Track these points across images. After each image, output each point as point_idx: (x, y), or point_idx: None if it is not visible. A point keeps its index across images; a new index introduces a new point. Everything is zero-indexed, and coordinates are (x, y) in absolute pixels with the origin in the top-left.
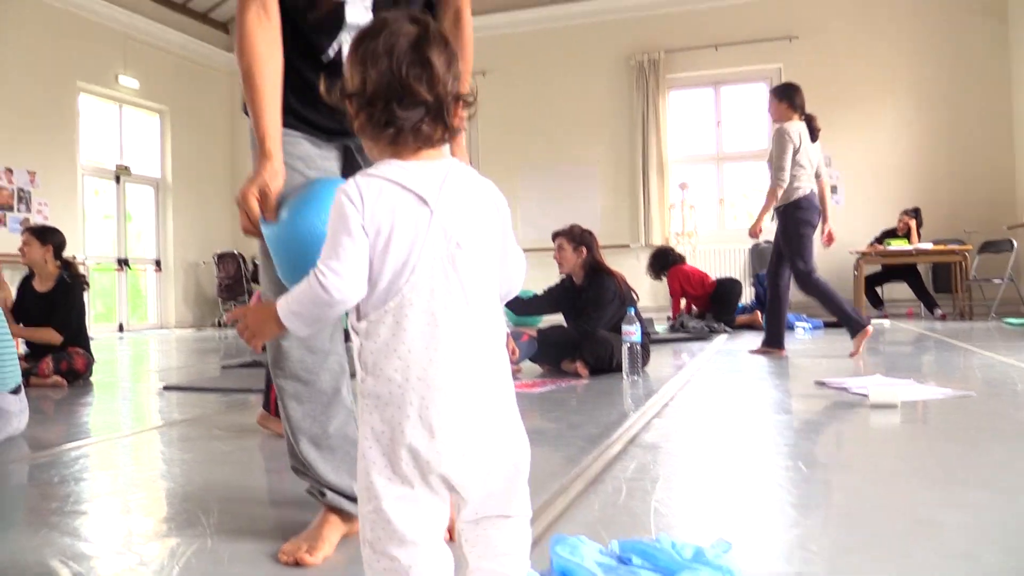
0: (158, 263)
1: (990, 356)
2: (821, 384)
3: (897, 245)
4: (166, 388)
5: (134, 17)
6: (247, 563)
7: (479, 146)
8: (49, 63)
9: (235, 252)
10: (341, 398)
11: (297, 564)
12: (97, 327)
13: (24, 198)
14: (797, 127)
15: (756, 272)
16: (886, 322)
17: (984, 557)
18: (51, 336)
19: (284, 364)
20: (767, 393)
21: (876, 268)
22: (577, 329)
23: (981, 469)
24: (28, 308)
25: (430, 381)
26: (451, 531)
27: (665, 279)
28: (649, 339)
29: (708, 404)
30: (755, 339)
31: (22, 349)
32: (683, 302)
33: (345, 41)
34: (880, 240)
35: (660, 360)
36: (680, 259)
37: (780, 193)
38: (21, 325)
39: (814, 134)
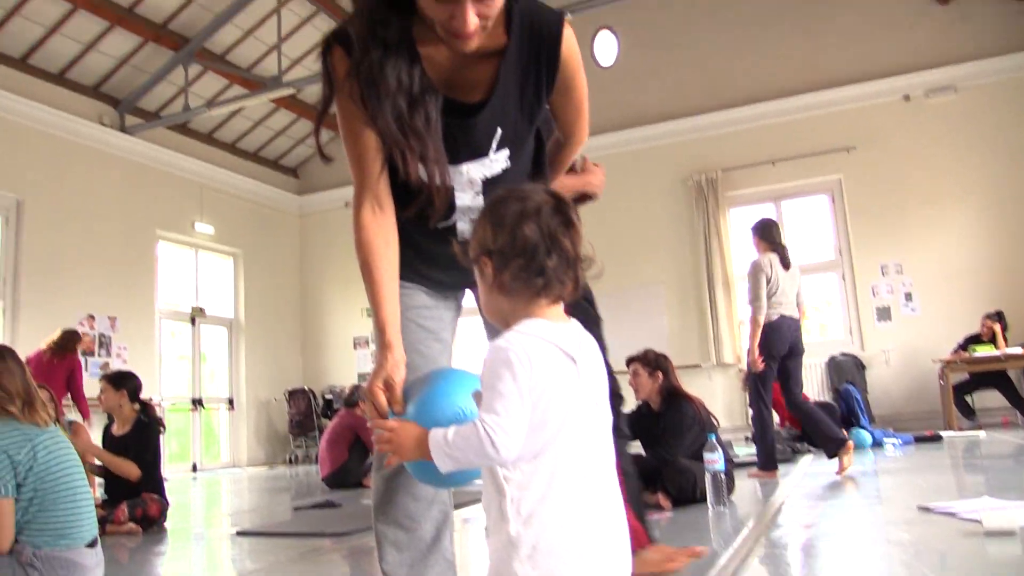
0: (231, 401)
1: None
2: (925, 509)
3: (983, 351)
4: (239, 534)
5: (209, 167)
6: None
7: None
8: (131, 213)
9: (305, 388)
10: (442, 548)
11: None
12: (171, 467)
13: (105, 343)
14: (769, 258)
15: (835, 386)
16: (981, 433)
17: None
18: (130, 469)
19: (387, 510)
20: (867, 520)
21: (963, 376)
22: (656, 458)
23: None
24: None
25: (582, 531)
26: None
27: None
28: (733, 465)
29: (805, 537)
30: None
31: (99, 493)
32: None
33: (459, 219)
34: (964, 347)
35: (745, 485)
36: None
37: (761, 320)
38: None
39: (786, 263)
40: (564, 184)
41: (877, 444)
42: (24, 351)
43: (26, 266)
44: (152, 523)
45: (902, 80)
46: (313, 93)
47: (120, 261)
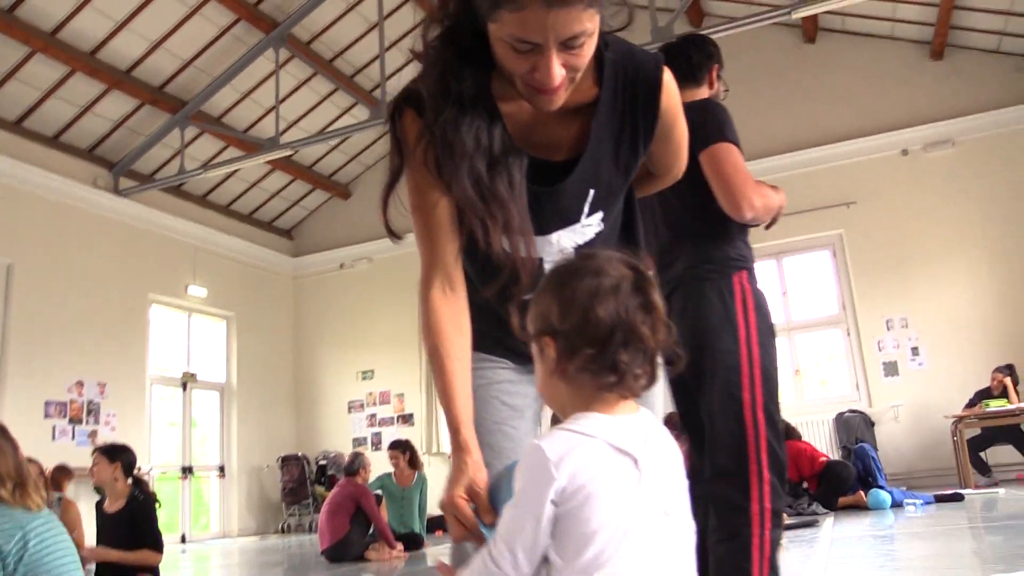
0: (222, 469)
1: None
2: None
3: (996, 406)
4: None
5: (203, 229)
6: None
7: None
8: (123, 277)
9: (299, 455)
10: None
11: None
12: None
13: (93, 410)
14: None
15: (844, 444)
16: (1000, 490)
17: None
18: (149, 558)
19: None
20: None
21: (975, 431)
22: None
23: None
24: (100, 532)
25: None
26: None
27: None
28: None
29: None
30: (862, 522)
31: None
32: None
33: None
34: (975, 402)
35: None
36: (794, 435)
37: None
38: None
39: None
40: (768, 198)
41: (898, 504)
42: (8, 419)
43: (14, 331)
44: None
45: (900, 135)
46: (309, 155)
47: (111, 326)
